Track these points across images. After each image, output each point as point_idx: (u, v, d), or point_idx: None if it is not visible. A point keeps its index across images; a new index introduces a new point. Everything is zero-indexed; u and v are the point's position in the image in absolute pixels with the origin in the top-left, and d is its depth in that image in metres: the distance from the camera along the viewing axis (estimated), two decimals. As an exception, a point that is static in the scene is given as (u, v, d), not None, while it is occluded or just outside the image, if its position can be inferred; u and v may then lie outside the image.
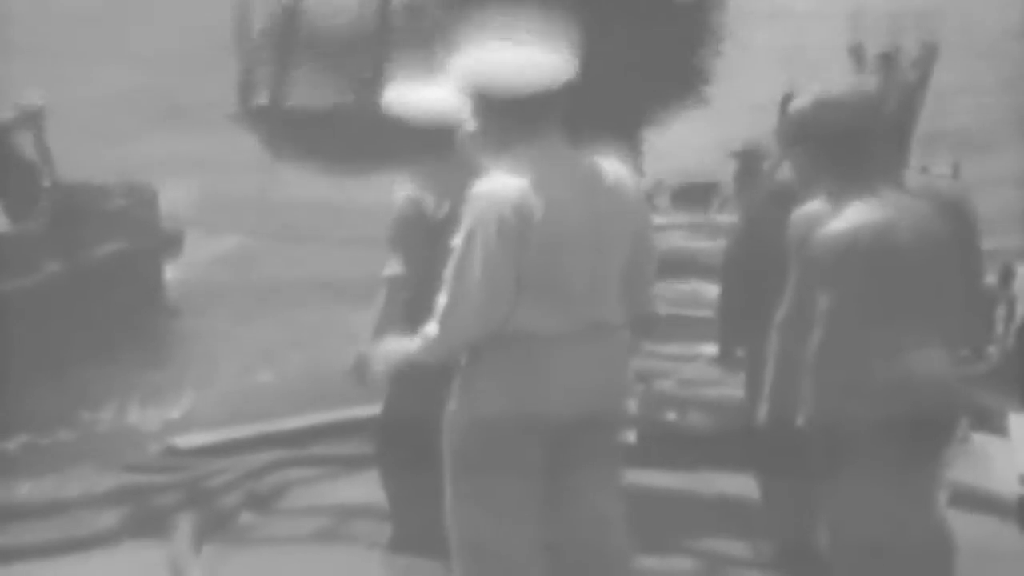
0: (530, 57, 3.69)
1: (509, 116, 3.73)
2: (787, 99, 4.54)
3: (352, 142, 6.18)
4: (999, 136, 20.96)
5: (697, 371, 6.92)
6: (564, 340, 3.71)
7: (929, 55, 8.49)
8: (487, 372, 3.73)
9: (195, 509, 5.82)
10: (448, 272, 3.69)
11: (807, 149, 4.21)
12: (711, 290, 5.97)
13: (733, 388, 5.60)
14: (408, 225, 4.91)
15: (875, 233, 4.02)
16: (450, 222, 3.96)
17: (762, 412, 4.34)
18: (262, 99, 6.53)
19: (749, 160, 8.15)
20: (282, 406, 8.24)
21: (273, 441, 6.95)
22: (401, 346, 3.95)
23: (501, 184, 3.67)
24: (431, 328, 3.73)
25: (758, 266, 4.83)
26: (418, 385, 4.08)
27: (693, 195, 14.20)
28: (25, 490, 6.45)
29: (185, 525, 5.54)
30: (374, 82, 5.92)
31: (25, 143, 14.37)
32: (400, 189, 5.01)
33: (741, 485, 5.40)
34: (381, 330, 4.62)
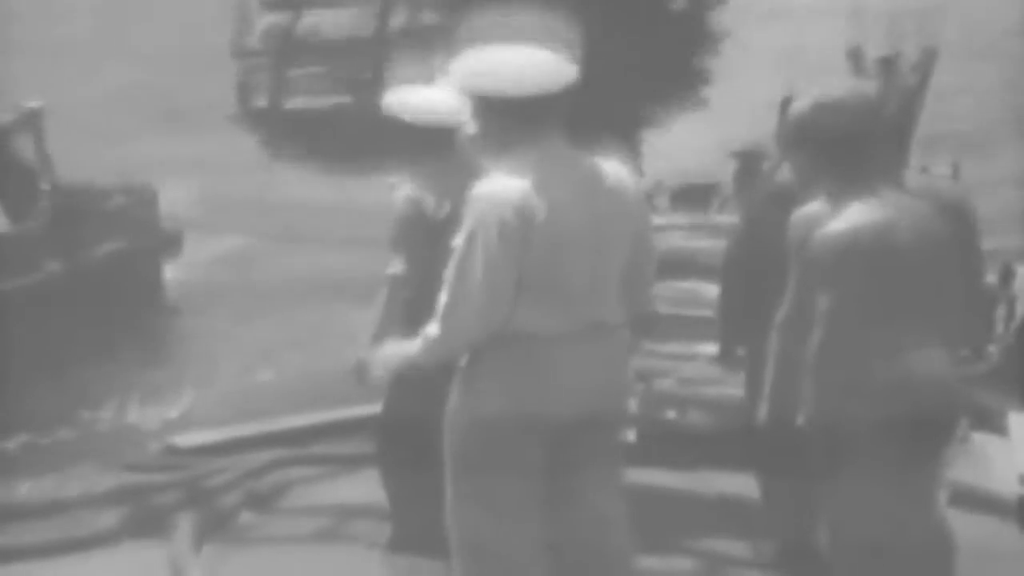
0: (531, 58, 3.69)
1: (510, 118, 3.73)
2: (786, 102, 4.52)
3: (352, 143, 6.19)
4: (999, 136, 20.93)
5: (697, 370, 6.91)
6: (564, 340, 3.71)
7: (929, 59, 8.49)
8: (488, 372, 3.73)
9: (195, 509, 5.83)
10: (449, 273, 3.69)
11: (806, 152, 4.20)
12: (711, 290, 5.97)
13: (733, 387, 5.61)
14: (409, 225, 4.92)
15: (875, 233, 4.02)
16: (450, 223, 3.96)
17: (762, 412, 4.34)
18: (262, 100, 6.55)
19: (749, 161, 8.17)
20: (282, 405, 8.24)
21: (273, 440, 6.96)
22: (401, 350, 3.95)
23: (502, 185, 3.66)
24: (432, 329, 3.73)
25: (758, 266, 4.83)
26: (418, 385, 4.08)
27: (693, 196, 14.17)
28: (25, 490, 6.45)
29: (185, 525, 5.54)
30: (373, 83, 5.93)
31: (25, 145, 14.37)
32: (399, 189, 5.02)
33: (741, 485, 5.40)
34: (382, 329, 4.64)
